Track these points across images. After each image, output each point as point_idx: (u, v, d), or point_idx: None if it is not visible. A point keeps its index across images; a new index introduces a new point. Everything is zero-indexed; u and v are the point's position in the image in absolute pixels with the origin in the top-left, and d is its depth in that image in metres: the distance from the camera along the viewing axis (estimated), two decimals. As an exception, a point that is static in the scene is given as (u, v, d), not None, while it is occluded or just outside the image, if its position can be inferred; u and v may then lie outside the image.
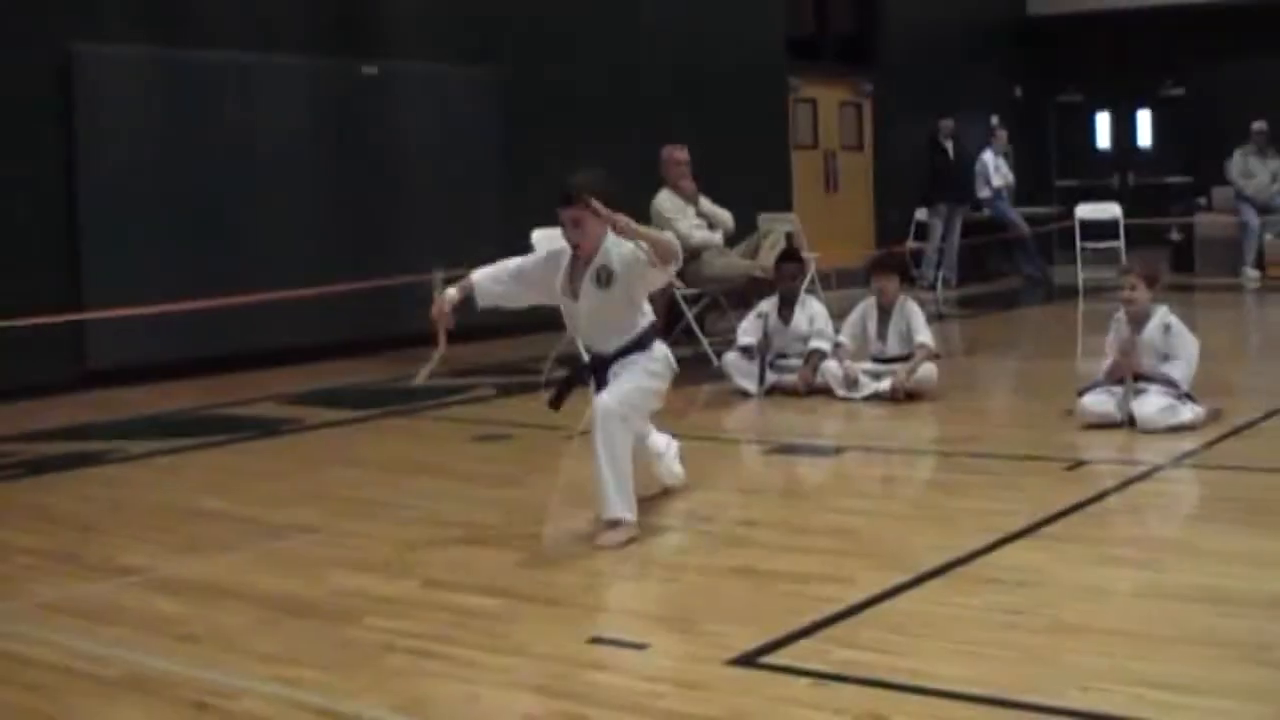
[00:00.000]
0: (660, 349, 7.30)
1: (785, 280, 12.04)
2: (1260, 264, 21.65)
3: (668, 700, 4.82)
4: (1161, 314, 9.76)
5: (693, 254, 13.69)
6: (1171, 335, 9.68)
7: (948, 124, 22.48)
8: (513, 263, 7.43)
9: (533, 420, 10.65)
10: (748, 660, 5.16)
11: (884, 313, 11.53)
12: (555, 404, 7.35)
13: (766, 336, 11.76)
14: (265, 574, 6.70)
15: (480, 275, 7.37)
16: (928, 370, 11.24)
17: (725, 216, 14.07)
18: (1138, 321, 9.74)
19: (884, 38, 23.79)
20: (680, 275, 13.53)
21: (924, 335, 11.34)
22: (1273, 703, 4.73)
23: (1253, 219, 21.74)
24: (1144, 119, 26.97)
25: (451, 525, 7.46)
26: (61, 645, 5.65)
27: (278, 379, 13.34)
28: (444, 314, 7.23)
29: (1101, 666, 5.01)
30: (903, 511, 7.95)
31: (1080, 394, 9.82)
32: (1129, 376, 9.57)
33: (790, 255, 12.65)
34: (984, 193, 22.77)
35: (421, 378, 7.62)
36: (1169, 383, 9.52)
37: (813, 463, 9.50)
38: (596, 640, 5.55)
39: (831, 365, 11.43)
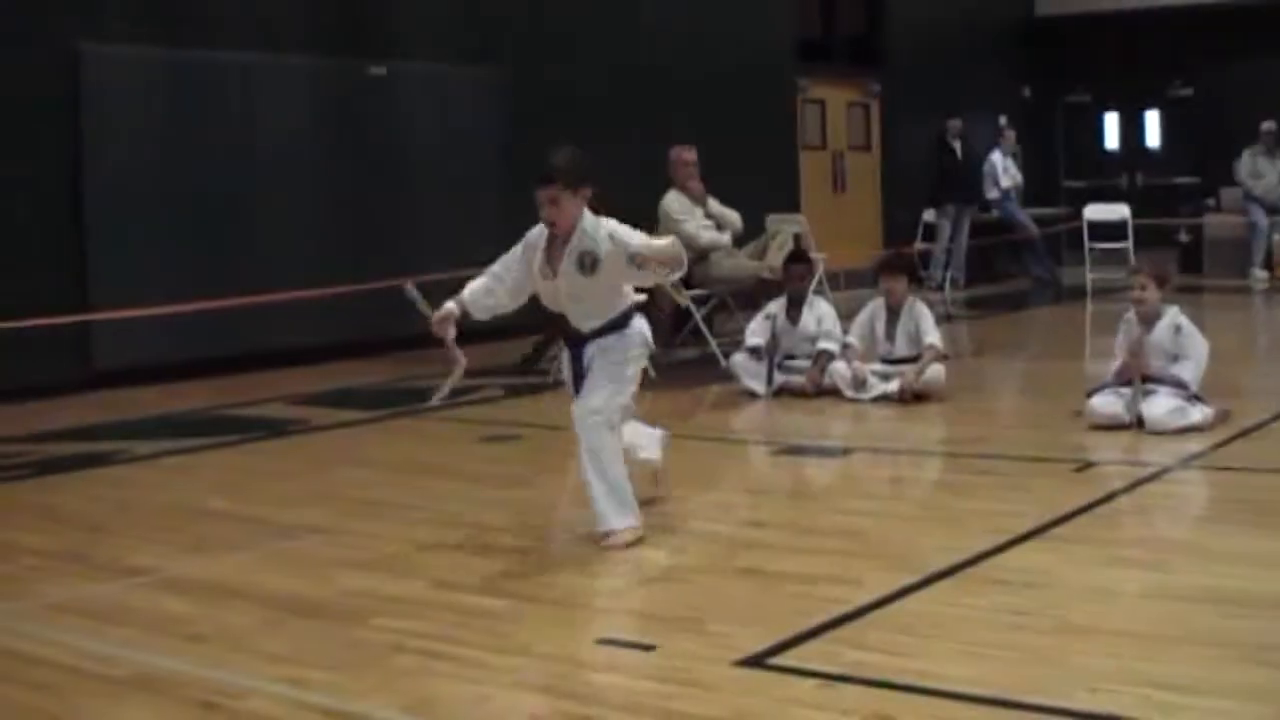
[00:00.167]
0: (637, 326, 7.27)
1: (793, 281, 12.04)
2: (1269, 265, 21.62)
3: (675, 701, 4.82)
4: (1172, 314, 9.75)
5: (701, 255, 13.70)
6: (1181, 336, 9.67)
7: (956, 124, 22.49)
8: (495, 268, 7.40)
9: (541, 421, 10.67)
10: (755, 661, 5.15)
11: (892, 314, 11.52)
12: (526, 365, 7.29)
13: (774, 337, 11.76)
14: (273, 574, 6.70)
15: (469, 293, 7.35)
16: (936, 371, 11.23)
17: (733, 217, 14.05)
18: (1148, 322, 9.73)
19: (892, 38, 23.77)
20: (688, 276, 13.57)
21: (932, 336, 11.33)
22: (1278, 704, 4.73)
23: (1261, 220, 21.71)
24: (1152, 120, 26.95)
25: (460, 526, 7.46)
26: (69, 645, 5.66)
27: (285, 380, 13.34)
28: (444, 329, 7.22)
29: (1109, 668, 5.01)
30: (910, 513, 7.95)
31: (1089, 395, 9.81)
32: (1138, 378, 9.56)
33: (798, 256, 12.65)
34: (992, 193, 22.75)
35: (439, 397, 7.58)
36: (1178, 384, 9.51)
37: (820, 464, 9.50)
38: (604, 641, 5.55)
39: (839, 366, 11.43)
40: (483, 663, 5.30)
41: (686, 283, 13.58)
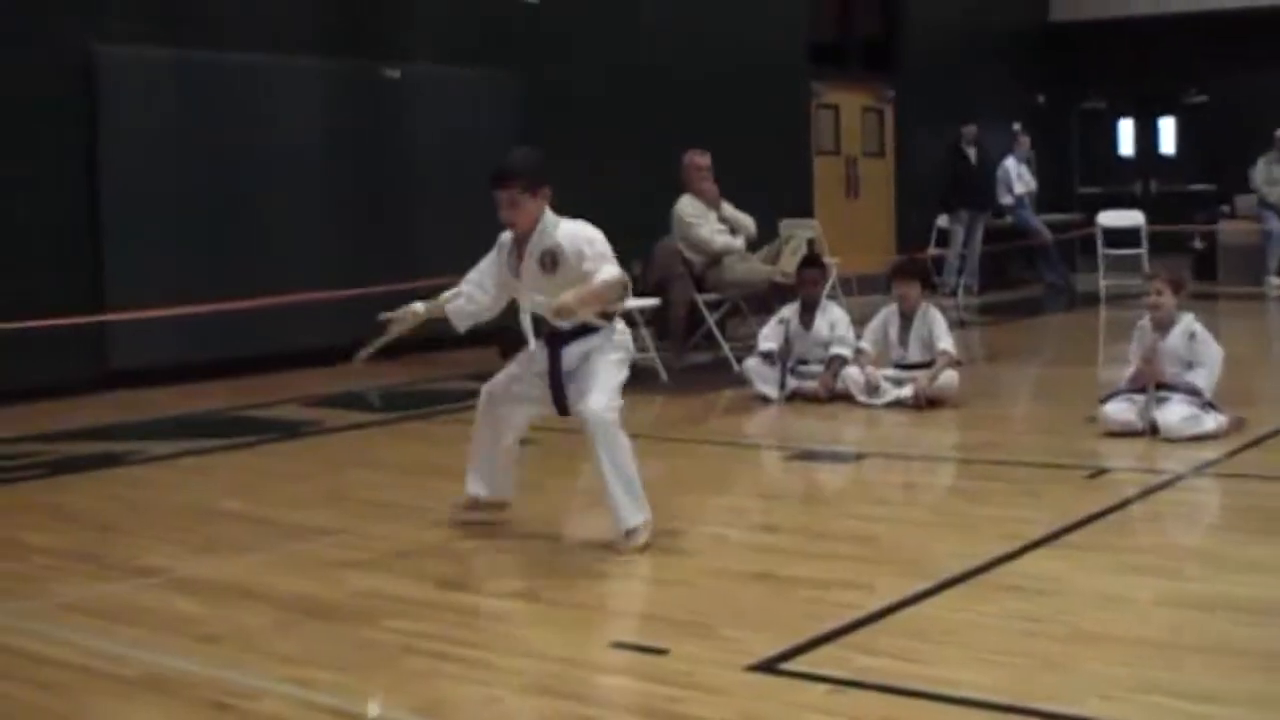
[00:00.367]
0: (619, 327, 7.24)
1: (807, 286, 12.03)
2: (1283, 271, 21.61)
3: (687, 705, 4.82)
4: (1187, 321, 9.74)
5: (714, 259, 13.70)
6: (1196, 343, 9.66)
7: (970, 130, 22.46)
8: (472, 276, 7.41)
9: (552, 424, 10.63)
10: (767, 666, 5.15)
11: (905, 319, 11.51)
12: (562, 409, 7.27)
13: (788, 342, 11.75)
14: (284, 575, 6.70)
15: (451, 307, 7.35)
16: (949, 377, 11.22)
17: (747, 221, 14.05)
18: (1162, 328, 9.72)
19: (907, 44, 23.76)
20: (702, 280, 13.61)
21: (945, 342, 11.32)
22: (1293, 713, 4.73)
23: (1276, 227, 21.67)
24: (1167, 126, 26.94)
25: (471, 528, 7.45)
26: (80, 645, 5.66)
27: (299, 381, 13.35)
28: (406, 320, 7.28)
29: (1121, 675, 5.01)
30: (923, 518, 7.94)
31: (1102, 401, 9.80)
32: (1152, 385, 9.54)
33: (812, 261, 12.66)
34: (1006, 199, 22.72)
35: (366, 354, 7.60)
36: (1192, 391, 9.49)
37: (833, 469, 9.50)
38: (616, 644, 5.56)
39: (853, 371, 11.42)
40: (493, 665, 5.30)
41: (700, 286, 13.61)
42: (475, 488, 7.47)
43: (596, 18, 17.78)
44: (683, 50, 18.82)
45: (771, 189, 18.01)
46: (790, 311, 11.95)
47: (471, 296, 7.33)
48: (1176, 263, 16.65)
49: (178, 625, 5.92)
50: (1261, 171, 22.00)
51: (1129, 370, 9.85)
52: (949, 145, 22.48)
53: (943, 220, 22.57)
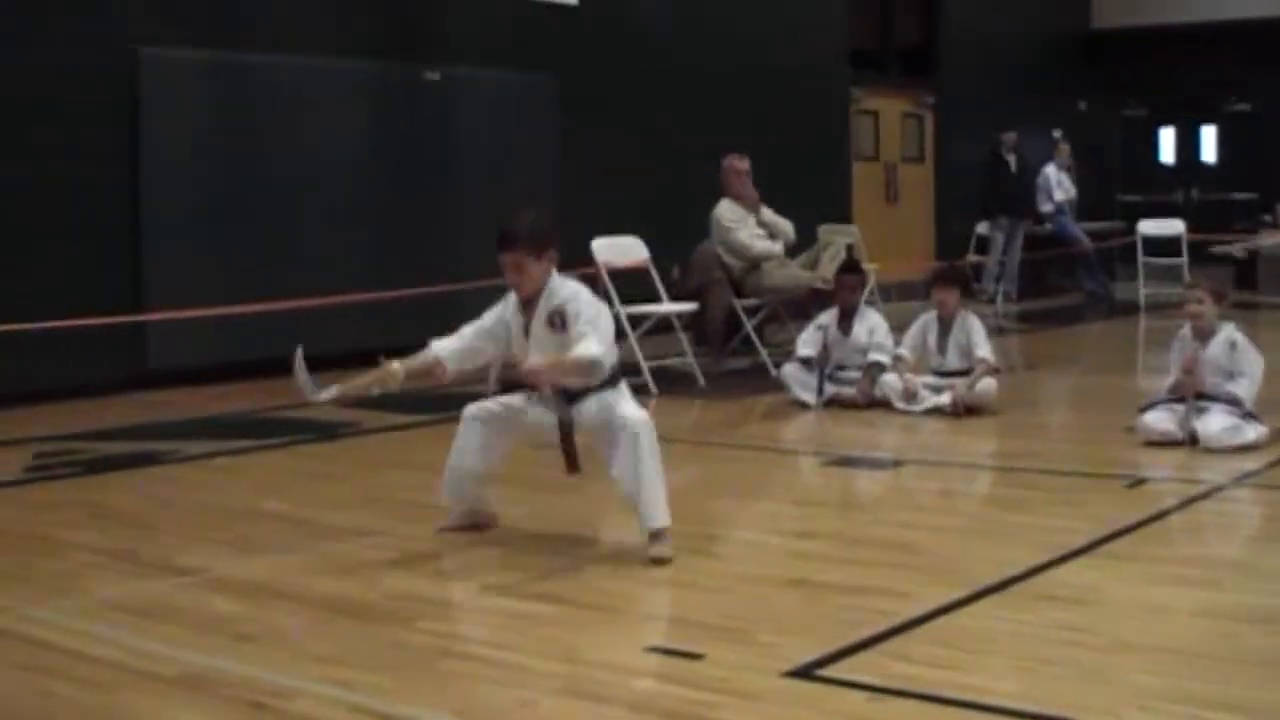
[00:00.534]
0: (624, 389, 7.19)
1: (845, 292, 12.01)
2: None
3: (722, 711, 4.81)
4: (1228, 330, 9.69)
5: (753, 264, 13.70)
6: (1237, 352, 9.61)
7: (1010, 137, 22.40)
8: (472, 330, 7.37)
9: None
10: (804, 672, 5.14)
11: (944, 326, 11.49)
12: (573, 467, 7.22)
13: (826, 348, 11.73)
14: (321, 576, 6.71)
15: (444, 349, 7.32)
16: (987, 384, 11.20)
17: (786, 226, 14.04)
18: (1203, 337, 9.67)
19: (947, 50, 23.74)
20: (740, 285, 13.61)
21: (984, 349, 11.30)
22: (1332, 725, 4.71)
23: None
24: (1208, 134, 26.86)
25: (507, 530, 7.46)
26: (118, 642, 5.67)
27: (337, 382, 13.32)
28: (385, 382, 7.27)
29: (1159, 686, 4.98)
30: (961, 526, 7.92)
31: (1141, 411, 9.76)
32: (1191, 394, 9.50)
33: (850, 267, 12.64)
34: (1046, 207, 22.67)
35: (322, 398, 7.56)
36: (1233, 401, 9.45)
37: (871, 476, 9.48)
38: (652, 649, 5.55)
39: (891, 378, 11.40)
40: (528, 668, 5.29)
41: (739, 291, 13.60)
42: (448, 492, 7.46)
43: (636, 21, 17.79)
44: (723, 54, 18.83)
45: (811, 194, 18.00)
46: (829, 317, 11.93)
47: (479, 350, 7.31)
48: (1217, 272, 16.61)
49: (214, 624, 5.93)
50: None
51: (1169, 380, 9.81)
52: (989, 152, 22.42)
53: (982, 227, 22.55)
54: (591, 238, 13.15)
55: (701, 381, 12.99)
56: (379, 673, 5.25)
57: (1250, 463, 8.99)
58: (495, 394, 7.40)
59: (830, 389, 11.66)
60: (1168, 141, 27.27)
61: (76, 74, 12.68)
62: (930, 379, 11.40)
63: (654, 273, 13.49)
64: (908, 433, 10.80)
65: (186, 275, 13.20)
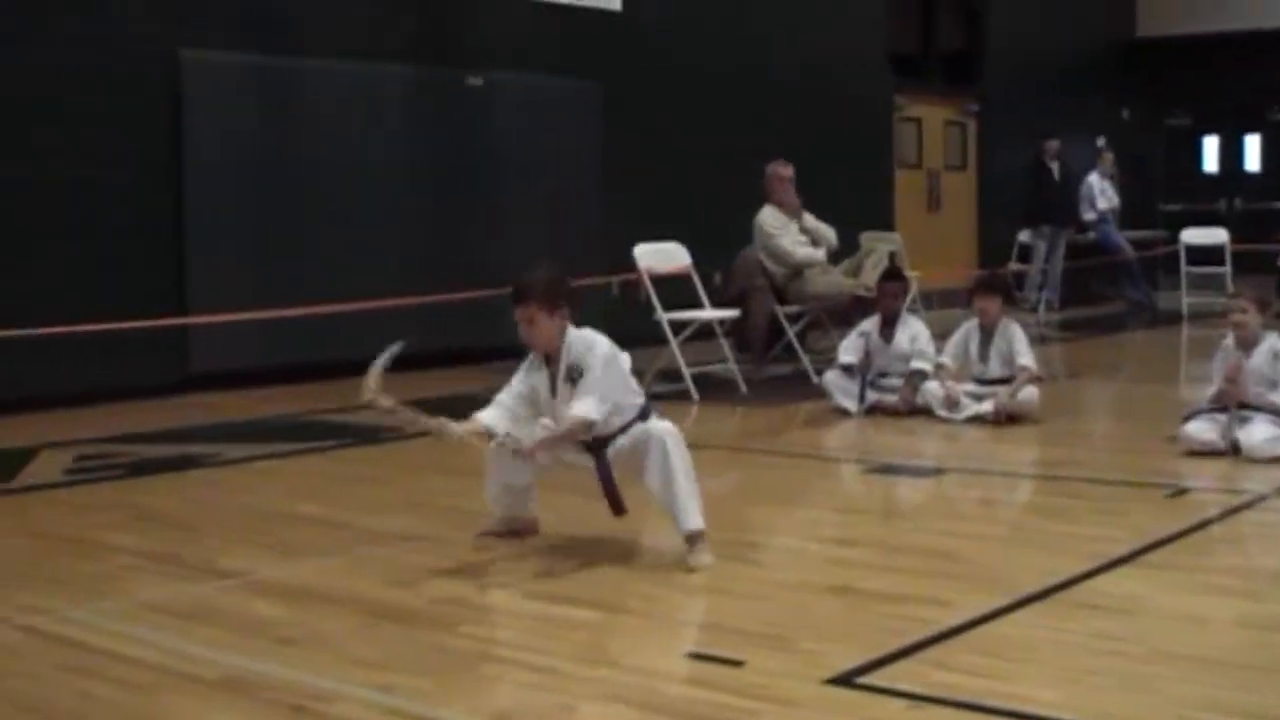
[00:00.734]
0: (654, 419, 7.18)
1: (887, 299, 11.98)
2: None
3: (763, 718, 4.81)
4: (1271, 340, 9.64)
5: (796, 271, 13.69)
6: (1280, 362, 9.58)
7: (1053, 145, 22.34)
8: (506, 394, 7.34)
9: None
10: (845, 680, 5.13)
11: (986, 334, 11.46)
12: (618, 510, 7.22)
13: (868, 355, 11.71)
14: (363, 579, 6.72)
15: (493, 418, 7.28)
16: (1029, 393, 11.17)
17: (829, 233, 14.04)
18: (1246, 347, 9.63)
19: (990, 57, 23.72)
20: (783, 292, 13.60)
21: (1026, 358, 11.26)
22: (1374, 737, 4.69)
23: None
24: (1252, 143, 26.77)
25: (548, 535, 7.46)
26: (160, 645, 5.69)
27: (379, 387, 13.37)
28: (438, 432, 7.23)
29: (1199, 695, 4.97)
30: (1002, 534, 7.90)
31: (1184, 420, 9.73)
32: (1234, 404, 9.46)
33: (893, 274, 12.61)
34: (1089, 215, 22.61)
35: (381, 402, 7.51)
36: (1276, 411, 9.41)
37: (912, 483, 9.45)
38: (692, 655, 5.54)
39: (933, 386, 11.38)
40: (570, 673, 5.30)
41: (781, 298, 13.59)
42: (493, 507, 7.47)
43: (679, 27, 17.81)
44: (765, 60, 18.83)
45: (853, 201, 17.97)
46: (870, 325, 11.91)
47: (502, 403, 7.29)
48: (1261, 282, 16.53)
49: (256, 627, 5.95)
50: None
51: (1211, 389, 9.77)
52: (1032, 160, 22.36)
53: (1025, 235, 22.48)
54: (634, 243, 13.16)
55: (743, 388, 12.98)
56: (420, 677, 5.26)
57: (1293, 473, 8.96)
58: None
59: (872, 396, 11.64)
60: (1211, 150, 27.19)
61: (119, 78, 12.74)
62: (972, 387, 11.37)
63: (696, 279, 13.49)
64: (949, 441, 10.78)
65: (229, 279, 13.26)
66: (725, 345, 13.50)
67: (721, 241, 14.26)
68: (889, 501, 9.08)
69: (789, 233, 13.81)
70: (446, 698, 5.06)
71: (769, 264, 13.76)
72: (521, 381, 7.26)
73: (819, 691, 5.04)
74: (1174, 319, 20.34)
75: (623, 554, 7.21)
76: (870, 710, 4.90)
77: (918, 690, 5.00)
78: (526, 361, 7.29)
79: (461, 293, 13.72)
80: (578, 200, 16.08)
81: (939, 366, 11.48)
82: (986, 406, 11.08)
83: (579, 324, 7.12)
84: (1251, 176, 26.72)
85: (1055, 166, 22.38)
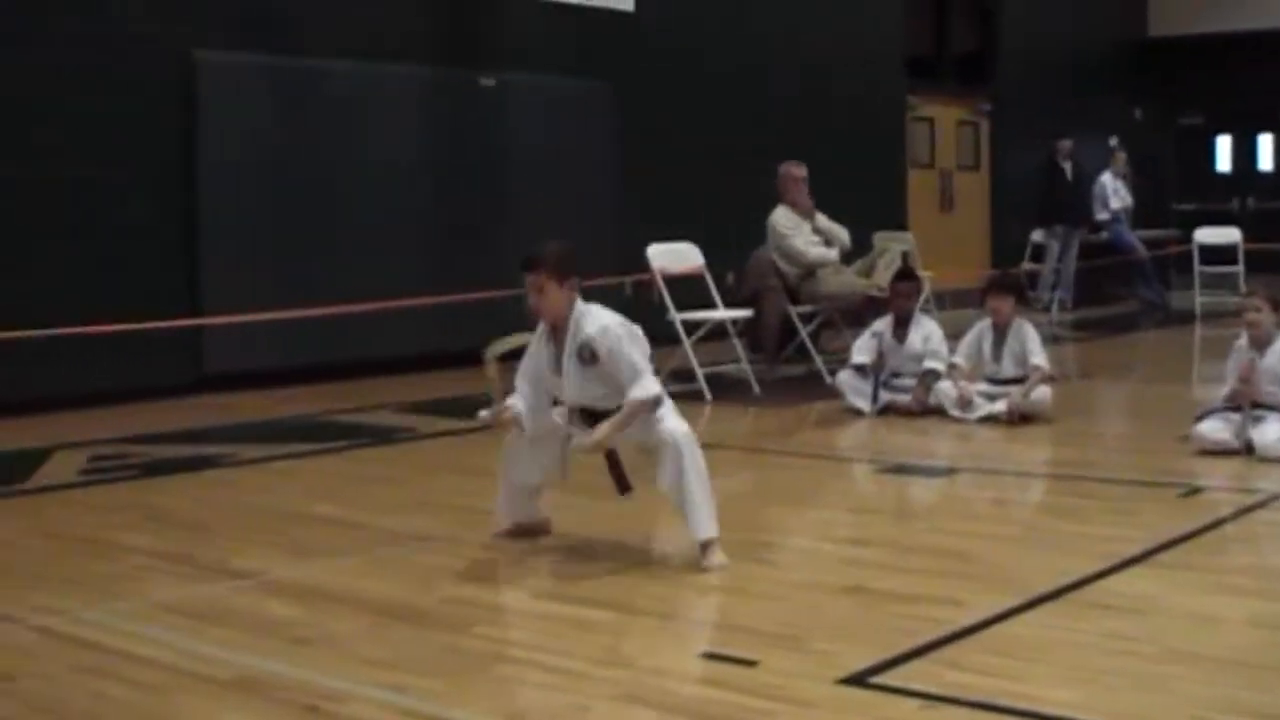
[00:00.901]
0: (665, 407, 7.15)
1: (900, 299, 11.98)
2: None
3: (777, 717, 4.81)
4: (1285, 340, 9.64)
5: (809, 271, 13.69)
6: (1294, 361, 9.56)
7: (1066, 145, 22.29)
8: (520, 380, 7.35)
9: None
10: (857, 680, 5.13)
11: (999, 334, 11.46)
12: (624, 488, 7.22)
13: (881, 355, 11.70)
14: (376, 580, 6.73)
15: (518, 408, 7.29)
16: (1042, 393, 11.17)
17: (841, 234, 14.02)
18: (1260, 345, 9.61)
19: (1003, 57, 23.70)
20: (795, 292, 13.60)
21: (1039, 357, 11.26)
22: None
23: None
24: (1265, 143, 26.73)
25: (562, 536, 7.47)
26: (174, 645, 5.70)
27: (393, 387, 13.43)
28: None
29: (1213, 695, 4.97)
30: (1015, 534, 7.90)
31: (1197, 420, 9.72)
32: (1247, 403, 9.45)
33: (906, 274, 12.60)
34: (1102, 215, 22.57)
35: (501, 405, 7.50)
36: (1290, 411, 9.41)
37: (925, 483, 9.45)
38: (706, 655, 5.55)
39: (945, 386, 11.38)
40: (583, 673, 5.30)
41: (794, 298, 13.59)
42: (503, 509, 7.48)
43: (692, 28, 17.82)
44: (779, 61, 18.84)
45: (866, 201, 17.97)
46: (883, 325, 11.90)
47: (523, 392, 7.30)
48: (1274, 281, 16.50)
49: (270, 628, 5.96)
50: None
51: (1225, 389, 9.76)
52: (1045, 159, 22.32)
53: (1038, 235, 22.45)
54: (647, 243, 13.16)
55: (756, 388, 12.98)
56: (433, 677, 5.27)
57: (1307, 472, 8.96)
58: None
59: (885, 396, 11.63)
60: (1224, 150, 27.15)
61: (133, 79, 12.76)
62: (985, 387, 11.37)
63: (709, 279, 13.50)
64: (962, 440, 10.78)
65: (243, 279, 13.27)
66: (738, 345, 13.51)
67: (734, 242, 14.27)
68: (902, 501, 9.08)
69: (802, 233, 13.81)
70: (460, 698, 5.07)
71: (782, 264, 13.76)
72: (528, 357, 7.25)
73: (832, 691, 5.04)
74: (1187, 318, 20.30)
75: (636, 554, 7.22)
76: (884, 710, 4.90)
77: (931, 690, 5.01)
78: (536, 333, 7.27)
79: (474, 293, 13.72)
80: (591, 201, 16.07)
81: (952, 366, 11.47)
82: (999, 406, 11.08)
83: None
84: (1264, 176, 26.68)
85: (1068, 166, 22.33)
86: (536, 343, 7.25)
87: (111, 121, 12.59)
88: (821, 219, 13.99)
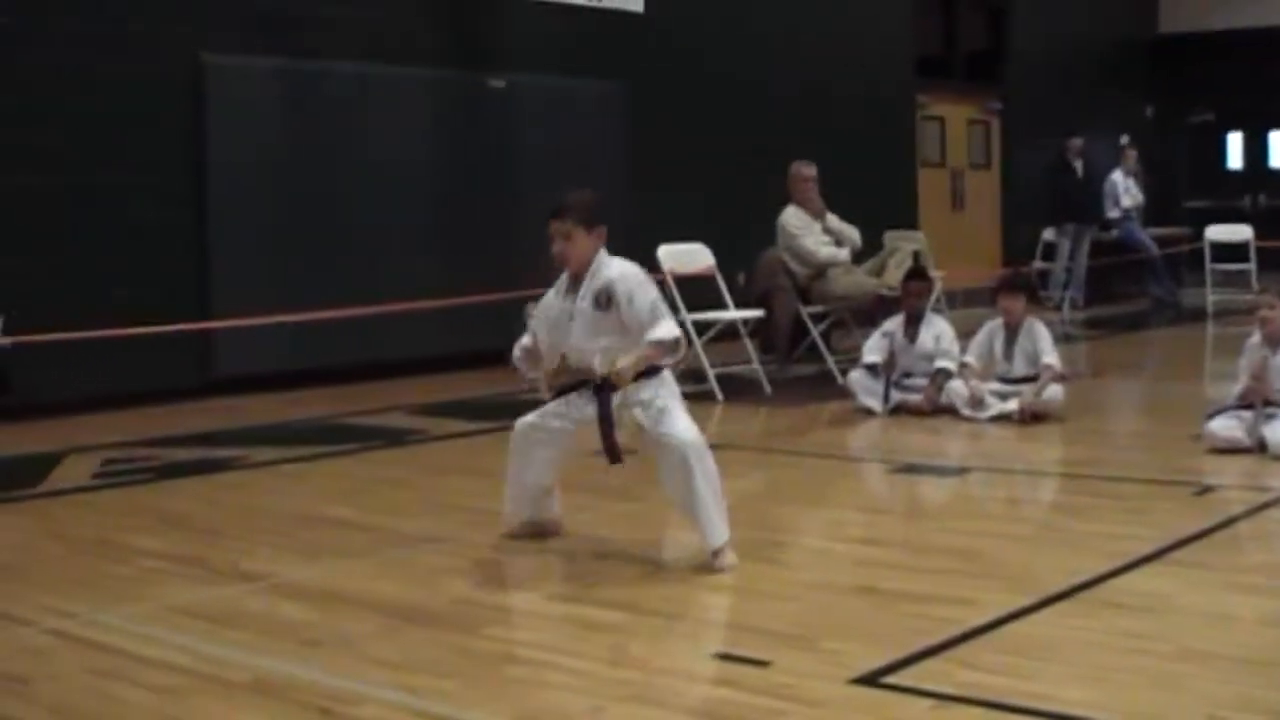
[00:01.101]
0: (665, 376, 7.12)
1: (911, 298, 11.97)
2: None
3: (790, 718, 4.81)
4: (1299, 337, 9.62)
5: (819, 271, 13.67)
6: (1307, 359, 9.54)
7: (1076, 143, 22.25)
8: (536, 321, 7.37)
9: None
10: (870, 680, 5.13)
11: (1010, 333, 11.45)
12: (614, 458, 7.18)
13: (892, 355, 11.69)
14: (388, 582, 6.74)
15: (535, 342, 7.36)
16: (1054, 391, 11.16)
17: (852, 233, 14.01)
18: (1273, 343, 9.59)
19: (1013, 56, 23.68)
20: (806, 292, 13.59)
21: (1050, 356, 11.25)
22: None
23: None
24: (1277, 139, 26.65)
25: (573, 537, 7.48)
26: (186, 648, 5.71)
27: (403, 389, 13.43)
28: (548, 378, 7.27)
29: (1227, 694, 4.96)
30: (1027, 533, 7.88)
31: (1208, 418, 9.70)
32: (1259, 401, 9.44)
33: (917, 273, 12.59)
34: (1113, 213, 22.53)
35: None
36: (1302, 408, 9.39)
37: (937, 483, 9.44)
38: (718, 656, 5.54)
39: (957, 385, 11.36)
40: (595, 674, 5.31)
41: (805, 298, 13.59)
42: (513, 507, 7.47)
43: (702, 28, 17.81)
44: (788, 60, 18.82)
45: (877, 201, 17.96)
46: (894, 324, 11.89)
47: (535, 332, 7.33)
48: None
49: (282, 630, 5.97)
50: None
51: (1237, 386, 9.75)
52: (1055, 158, 22.29)
53: (1049, 233, 22.43)
54: (657, 245, 13.15)
55: (767, 388, 12.98)
56: (445, 679, 5.28)
57: (1319, 470, 8.94)
58: (552, 398, 7.34)
59: (896, 396, 11.63)
60: (1235, 147, 27.09)
61: (141, 82, 12.76)
62: (996, 386, 11.36)
63: (720, 279, 13.49)
64: (974, 440, 10.77)
65: (253, 282, 13.27)
66: (749, 346, 13.50)
67: (745, 242, 14.26)
68: (914, 501, 9.07)
69: (812, 233, 13.80)
70: (472, 699, 5.08)
71: (792, 264, 13.75)
72: (549, 304, 7.26)
73: (844, 691, 5.04)
74: (1198, 316, 20.28)
75: (647, 555, 7.22)
76: (896, 710, 4.90)
77: (943, 690, 5.01)
78: (556, 284, 7.28)
79: (484, 295, 13.72)
80: (600, 202, 16.04)
81: (963, 365, 11.46)
82: (1011, 405, 11.07)
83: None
84: (1276, 173, 26.59)
85: (1079, 164, 22.28)
86: (555, 293, 7.25)
87: (119, 124, 12.59)
88: (833, 219, 13.98)
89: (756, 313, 13.57)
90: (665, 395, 6.96)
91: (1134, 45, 26.56)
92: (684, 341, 7.04)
